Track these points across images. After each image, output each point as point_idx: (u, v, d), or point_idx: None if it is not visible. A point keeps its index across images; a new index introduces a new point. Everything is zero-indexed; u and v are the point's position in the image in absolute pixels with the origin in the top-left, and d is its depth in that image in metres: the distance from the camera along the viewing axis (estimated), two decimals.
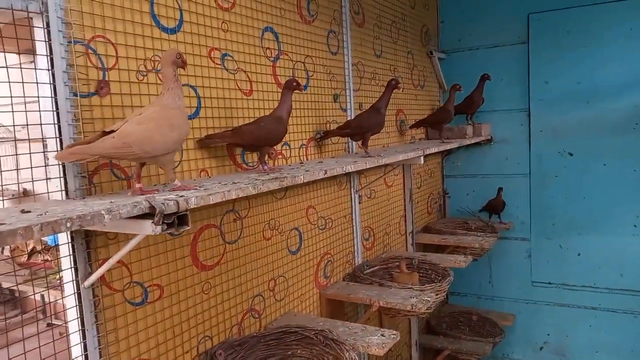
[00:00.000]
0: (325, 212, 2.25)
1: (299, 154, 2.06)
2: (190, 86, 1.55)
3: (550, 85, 3.31)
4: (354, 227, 2.47)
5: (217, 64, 1.64)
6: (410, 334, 3.05)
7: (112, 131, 1.14)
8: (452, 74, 3.59)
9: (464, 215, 3.58)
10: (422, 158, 2.31)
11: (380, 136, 2.76)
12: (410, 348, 3.07)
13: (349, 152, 2.44)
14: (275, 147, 1.84)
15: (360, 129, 2.09)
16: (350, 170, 1.70)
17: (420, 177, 3.32)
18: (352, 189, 2.46)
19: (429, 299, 2.02)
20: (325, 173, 1.54)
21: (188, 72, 1.53)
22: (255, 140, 1.57)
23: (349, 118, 2.42)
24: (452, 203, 3.73)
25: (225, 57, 1.68)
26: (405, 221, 3.05)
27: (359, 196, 2.51)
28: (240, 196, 1.19)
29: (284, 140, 1.86)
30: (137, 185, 1.20)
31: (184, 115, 1.24)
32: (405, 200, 3.03)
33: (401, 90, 3.05)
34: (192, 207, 1.05)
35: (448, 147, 2.76)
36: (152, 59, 1.42)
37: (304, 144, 2.09)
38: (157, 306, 1.41)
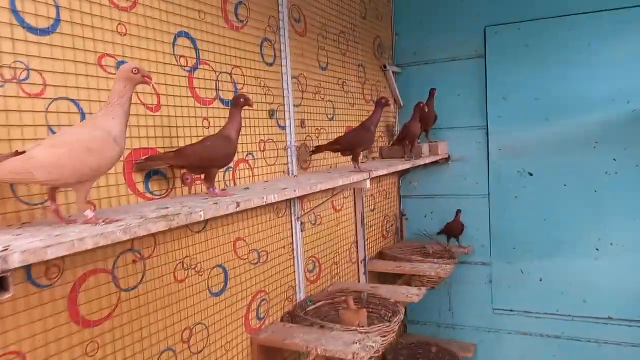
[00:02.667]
0: (259, 243, 1.97)
1: (224, 177, 1.78)
2: (72, 100, 1.26)
3: (508, 101, 3.15)
4: (296, 259, 2.20)
5: (109, 72, 1.35)
6: None
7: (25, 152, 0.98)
8: (408, 88, 3.40)
9: (421, 239, 3.36)
10: (367, 182, 2.07)
11: (328, 155, 2.52)
12: None
13: (288, 173, 2.18)
14: (192, 172, 1.59)
15: (350, 145, 2.19)
16: (273, 201, 1.43)
17: (374, 198, 3.08)
18: (292, 216, 2.19)
19: (373, 344, 1.76)
20: (237, 206, 1.27)
21: (67, 83, 1.24)
22: (200, 161, 1.43)
23: (287, 135, 2.17)
24: (409, 225, 3.51)
25: None
26: (357, 248, 2.80)
27: (302, 223, 2.25)
28: (99, 245, 0.90)
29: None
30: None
31: (107, 138, 1.04)
32: (356, 225, 2.79)
33: (352, 106, 2.85)
34: (14, 267, 0.76)
35: (399, 167, 2.53)
36: (13, 65, 1.13)
37: (231, 167, 1.82)
38: None
